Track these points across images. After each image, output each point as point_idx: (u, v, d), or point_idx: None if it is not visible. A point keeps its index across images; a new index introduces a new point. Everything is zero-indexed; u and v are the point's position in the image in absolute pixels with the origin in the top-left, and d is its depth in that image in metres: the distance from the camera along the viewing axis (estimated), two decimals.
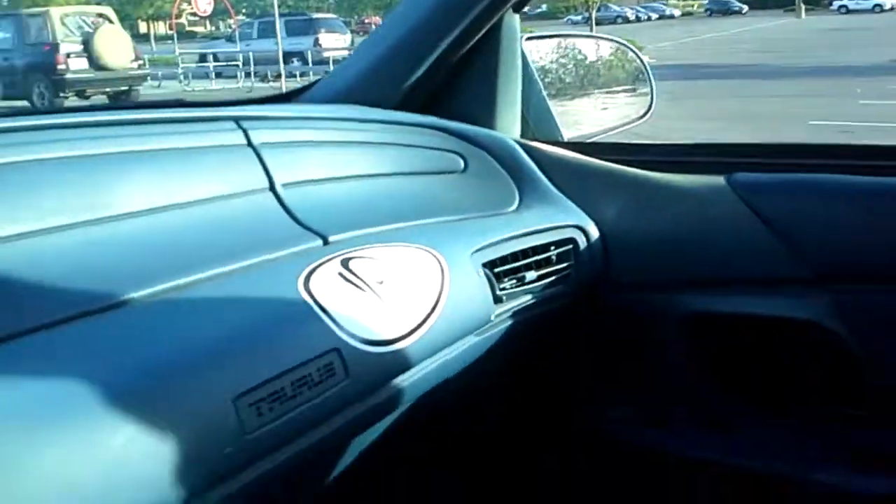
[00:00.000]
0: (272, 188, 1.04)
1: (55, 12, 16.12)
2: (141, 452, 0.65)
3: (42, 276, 0.75)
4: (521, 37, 1.48)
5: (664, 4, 57.20)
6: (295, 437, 0.80)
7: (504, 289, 1.14)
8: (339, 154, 1.18)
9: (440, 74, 1.37)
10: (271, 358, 0.79)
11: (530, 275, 1.18)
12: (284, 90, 1.88)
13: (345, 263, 0.96)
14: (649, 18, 51.90)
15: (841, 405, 1.30)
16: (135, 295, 0.77)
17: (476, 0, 1.32)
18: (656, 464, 1.40)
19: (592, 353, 1.42)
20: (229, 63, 20.23)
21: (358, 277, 0.95)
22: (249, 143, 1.05)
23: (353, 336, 0.87)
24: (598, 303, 1.35)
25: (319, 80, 1.48)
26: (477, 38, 1.36)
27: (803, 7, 46.71)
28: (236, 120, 1.06)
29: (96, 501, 0.62)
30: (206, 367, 0.74)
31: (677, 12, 56.31)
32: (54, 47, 15.44)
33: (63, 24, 15.68)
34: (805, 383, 1.33)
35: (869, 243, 1.22)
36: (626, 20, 49.56)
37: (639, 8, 53.89)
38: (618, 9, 51.35)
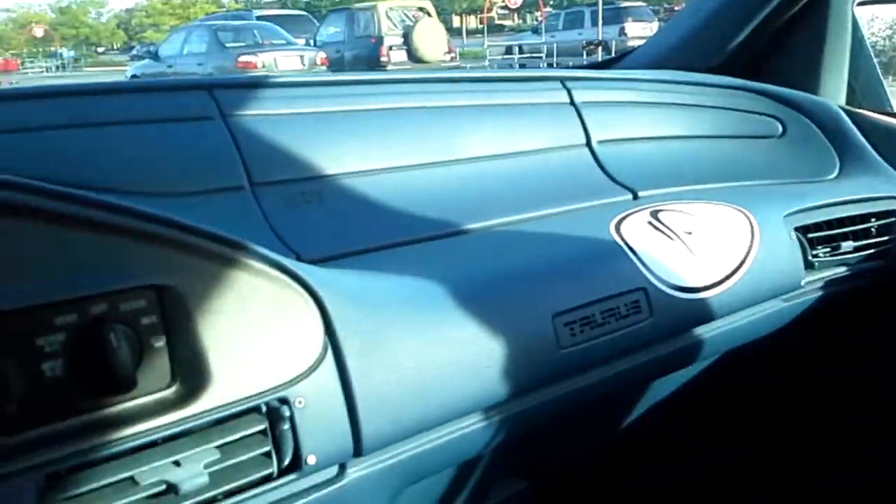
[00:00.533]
0: (588, 144, 1.13)
1: (381, 6, 17.52)
2: (478, 349, 0.76)
3: (410, 201, 0.93)
4: (853, 0, 1.41)
5: None
6: (601, 362, 0.87)
7: (817, 256, 1.12)
8: (654, 114, 1.22)
9: (763, 38, 1.36)
10: (584, 287, 0.86)
11: (846, 245, 1.14)
12: None
13: (654, 214, 1.01)
14: None
15: None
16: (475, 225, 0.94)
17: None
18: None
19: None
20: (533, 55, 20.77)
21: (667, 227, 0.99)
22: (572, 102, 1.14)
23: (659, 279, 0.92)
24: None
25: (637, 48, 1.53)
26: (803, 1, 1.33)
27: None
28: (562, 80, 1.15)
29: (441, 382, 0.74)
30: (530, 287, 0.83)
31: None
32: (379, 40, 16.79)
33: (388, 17, 16.98)
34: None
35: None
36: None
37: None
38: None
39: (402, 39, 16.94)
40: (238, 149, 0.87)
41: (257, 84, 0.94)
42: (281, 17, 18.75)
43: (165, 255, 0.60)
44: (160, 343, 0.60)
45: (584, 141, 1.13)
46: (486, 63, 21.56)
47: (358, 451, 0.69)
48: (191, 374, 0.61)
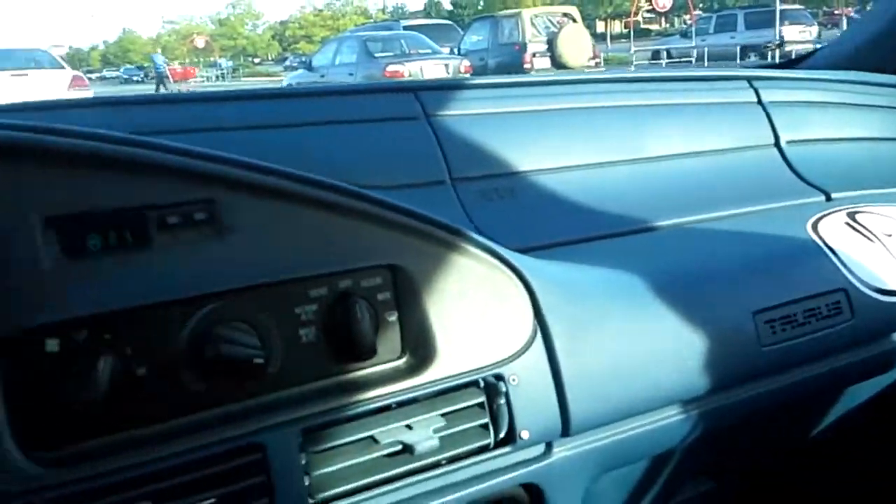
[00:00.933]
0: (777, 144, 1.12)
1: (526, 14, 17.52)
2: (679, 341, 0.78)
3: (598, 197, 0.96)
4: None
5: None
6: (800, 363, 0.87)
7: None
8: (843, 115, 1.20)
9: None
10: (784, 286, 0.86)
11: None
12: None
13: (851, 216, 1.00)
14: None
15: None
16: (666, 222, 0.96)
17: None
18: None
19: None
20: (682, 59, 20.20)
21: (865, 229, 0.97)
22: (759, 101, 1.14)
23: (860, 280, 0.91)
24: None
25: (823, 47, 1.49)
26: None
27: None
28: (749, 80, 1.15)
29: (643, 370, 0.76)
30: (729, 283, 0.84)
31: None
32: (523, 47, 16.83)
33: (532, 24, 16.99)
34: None
35: None
36: None
37: None
38: None
39: (545, 46, 16.87)
40: (440, 146, 0.93)
41: (457, 86, 1.00)
42: (426, 26, 19.08)
43: (398, 238, 0.66)
44: (393, 317, 0.66)
45: (772, 141, 1.12)
46: (632, 68, 21.17)
47: (566, 430, 0.72)
48: (418, 347, 0.66)
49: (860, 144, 1.18)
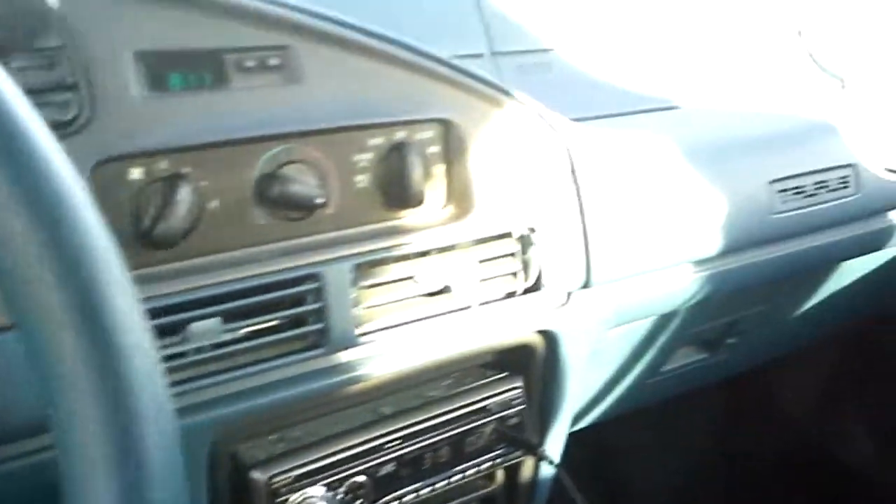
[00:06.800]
0: (800, 32, 1.15)
1: None
2: (698, 205, 0.84)
3: (636, 76, 1.01)
4: None
5: None
6: (809, 232, 0.93)
7: None
8: (867, 3, 1.21)
9: None
10: (797, 159, 0.92)
11: None
12: None
13: (863, 99, 1.04)
14: None
15: None
16: (694, 101, 1.01)
17: None
18: None
19: None
20: None
21: (876, 112, 1.02)
22: None
23: (868, 158, 0.96)
24: None
25: None
26: None
27: None
28: None
29: (663, 231, 0.82)
30: (748, 154, 0.89)
31: None
32: None
33: None
34: None
35: None
36: None
37: None
38: None
39: None
40: (483, 20, 0.95)
41: None
42: None
43: (452, 94, 0.70)
44: (441, 170, 0.71)
45: (797, 29, 1.15)
46: None
47: (587, 282, 0.79)
48: (462, 198, 0.72)
49: (882, 34, 1.20)
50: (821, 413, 1.63)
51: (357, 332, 0.66)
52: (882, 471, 1.55)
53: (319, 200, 0.63)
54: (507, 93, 0.72)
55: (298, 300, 0.64)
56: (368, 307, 0.67)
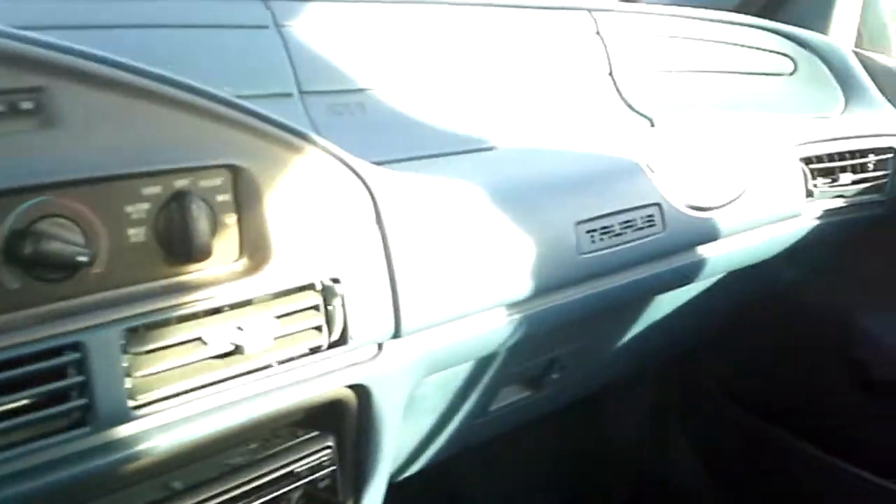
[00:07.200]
0: (611, 73, 1.18)
1: None
2: (506, 249, 0.83)
3: (442, 117, 0.98)
4: None
5: None
6: (617, 270, 0.94)
7: (816, 185, 1.18)
8: (674, 48, 1.27)
9: None
10: (604, 199, 0.93)
11: (845, 177, 1.21)
12: None
13: (669, 139, 1.07)
14: None
15: None
16: (504, 141, 1.00)
17: None
18: None
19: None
20: None
21: (681, 151, 1.05)
22: (598, 32, 1.18)
23: (673, 196, 0.99)
24: None
25: None
26: None
27: None
28: (590, 11, 1.19)
29: (472, 276, 0.80)
30: (555, 196, 0.89)
31: None
32: None
33: None
34: None
35: None
36: None
37: None
38: None
39: None
40: (290, 58, 0.90)
41: None
42: None
43: (241, 139, 0.64)
44: (232, 220, 0.65)
45: (607, 70, 1.17)
46: None
47: (397, 332, 0.75)
48: (256, 249, 0.66)
49: (687, 76, 1.26)
50: (649, 437, 1.68)
51: (131, 404, 0.59)
52: (714, 485, 1.61)
53: (82, 259, 0.56)
54: (304, 136, 0.68)
55: (60, 373, 0.56)
56: (145, 375, 0.60)
